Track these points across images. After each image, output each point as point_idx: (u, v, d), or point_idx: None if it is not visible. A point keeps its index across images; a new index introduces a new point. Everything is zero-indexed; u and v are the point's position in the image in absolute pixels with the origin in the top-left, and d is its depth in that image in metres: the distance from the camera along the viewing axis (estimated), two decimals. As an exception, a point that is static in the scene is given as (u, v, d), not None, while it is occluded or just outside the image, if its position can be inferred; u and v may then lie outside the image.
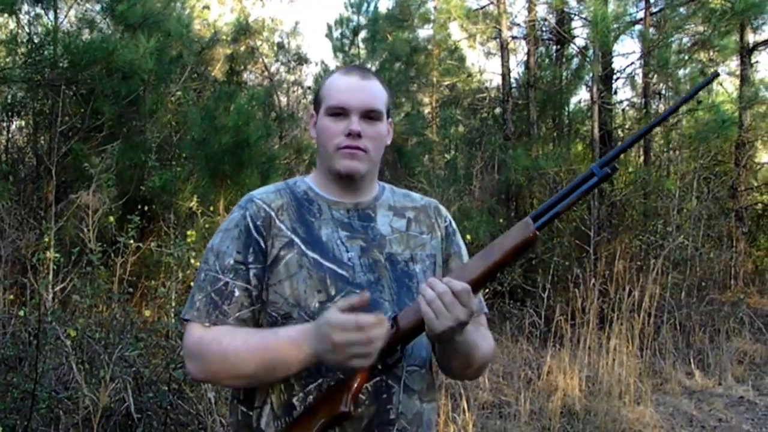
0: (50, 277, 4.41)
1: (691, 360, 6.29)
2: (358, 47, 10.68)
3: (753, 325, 7.36)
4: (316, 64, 13.07)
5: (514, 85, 9.75)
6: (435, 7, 10.43)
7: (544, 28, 9.91)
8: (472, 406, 4.36)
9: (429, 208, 1.62)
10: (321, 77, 10.15)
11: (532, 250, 7.70)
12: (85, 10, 6.42)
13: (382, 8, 11.31)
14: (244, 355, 1.36)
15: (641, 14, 8.90)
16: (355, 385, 1.33)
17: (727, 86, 12.19)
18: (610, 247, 7.37)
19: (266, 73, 11.21)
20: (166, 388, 3.65)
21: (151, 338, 4.01)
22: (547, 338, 5.94)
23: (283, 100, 11.02)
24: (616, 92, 9.41)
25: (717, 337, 6.84)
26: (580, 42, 9.55)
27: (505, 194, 9.05)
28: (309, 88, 11.29)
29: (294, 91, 11.58)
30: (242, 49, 10.52)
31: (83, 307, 4.22)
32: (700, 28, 8.79)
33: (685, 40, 9.27)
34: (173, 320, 4.24)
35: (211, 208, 5.85)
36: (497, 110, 10.45)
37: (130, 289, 4.50)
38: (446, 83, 10.80)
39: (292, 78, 11.64)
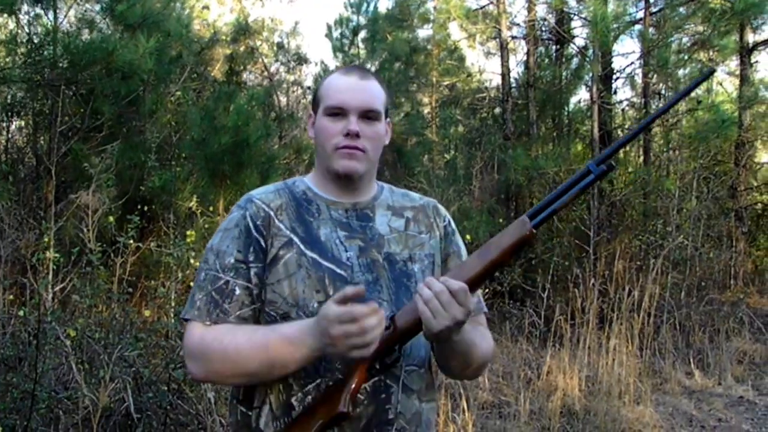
0: (50, 277, 4.41)
1: (691, 360, 6.29)
2: (358, 47, 10.68)
3: (753, 325, 7.36)
4: (316, 64, 13.08)
5: (513, 85, 9.76)
6: (434, 7, 10.44)
7: (543, 28, 9.91)
8: (472, 405, 4.36)
9: (428, 207, 1.62)
10: (321, 77, 10.13)
11: (532, 249, 7.71)
12: (85, 10, 6.42)
13: (382, 8, 11.31)
14: (245, 353, 1.36)
15: (641, 14, 8.90)
16: (354, 385, 1.33)
17: (726, 86, 12.21)
18: (610, 247, 7.37)
19: (266, 73, 11.21)
20: (166, 388, 3.65)
21: (150, 338, 4.00)
22: (547, 338, 5.94)
23: (283, 100, 11.02)
24: (615, 92, 9.42)
25: (717, 336, 6.84)
26: (579, 42, 9.56)
27: (504, 194, 9.05)
28: (309, 88, 11.29)
29: (294, 91, 11.58)
30: (242, 49, 10.52)
31: (83, 307, 4.22)
32: (700, 28, 8.79)
33: (684, 39, 9.28)
34: (173, 320, 4.24)
35: (211, 208, 5.85)
36: (497, 110, 10.46)
37: (130, 289, 4.50)
38: (446, 83, 10.80)
39: (291, 78, 11.65)
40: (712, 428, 4.99)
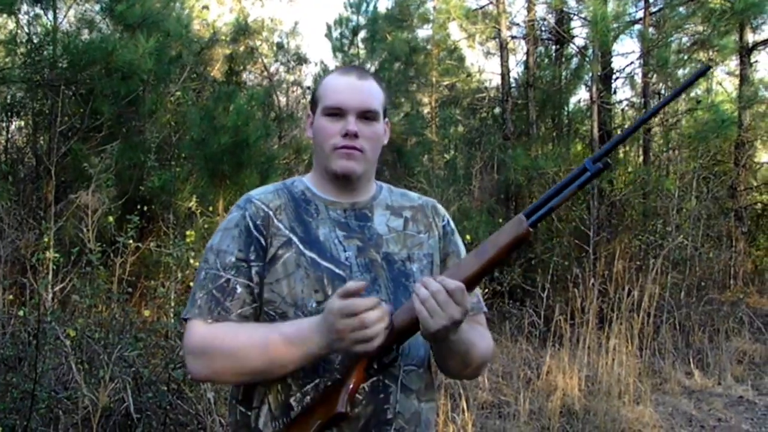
0: (50, 277, 4.41)
1: (691, 360, 6.29)
2: (358, 47, 10.69)
3: (752, 325, 7.36)
4: (316, 64, 13.06)
5: (513, 84, 9.76)
6: (434, 7, 10.43)
7: (543, 28, 9.92)
8: (472, 405, 4.36)
9: (426, 207, 1.62)
10: (320, 77, 10.14)
11: (532, 249, 7.72)
12: (85, 10, 6.42)
13: (382, 8, 11.31)
14: (249, 351, 1.36)
15: (641, 14, 8.90)
16: (352, 386, 1.33)
17: (726, 86, 12.21)
18: (610, 246, 7.37)
19: (265, 73, 11.21)
20: (166, 388, 3.65)
21: (150, 338, 4.00)
22: (547, 338, 5.94)
23: (283, 100, 11.02)
24: (615, 92, 9.43)
25: (716, 336, 6.84)
26: (579, 42, 9.57)
27: (504, 194, 9.05)
28: (308, 88, 11.29)
29: (293, 91, 11.58)
30: (241, 49, 10.52)
31: (82, 307, 4.22)
32: (700, 28, 8.79)
33: (684, 39, 9.29)
34: (172, 320, 4.24)
35: (211, 208, 5.86)
36: (496, 110, 10.46)
37: (130, 289, 4.50)
38: (445, 83, 10.80)
39: (291, 78, 11.64)
40: (712, 428, 4.99)
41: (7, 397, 3.43)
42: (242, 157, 5.90)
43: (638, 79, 9.35)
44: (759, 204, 11.11)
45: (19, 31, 6.01)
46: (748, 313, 7.49)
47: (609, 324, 5.50)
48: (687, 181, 8.44)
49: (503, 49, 9.25)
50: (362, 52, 10.63)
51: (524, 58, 9.81)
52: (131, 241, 4.52)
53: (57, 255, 4.47)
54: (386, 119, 1.57)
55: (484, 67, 13.53)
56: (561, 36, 9.44)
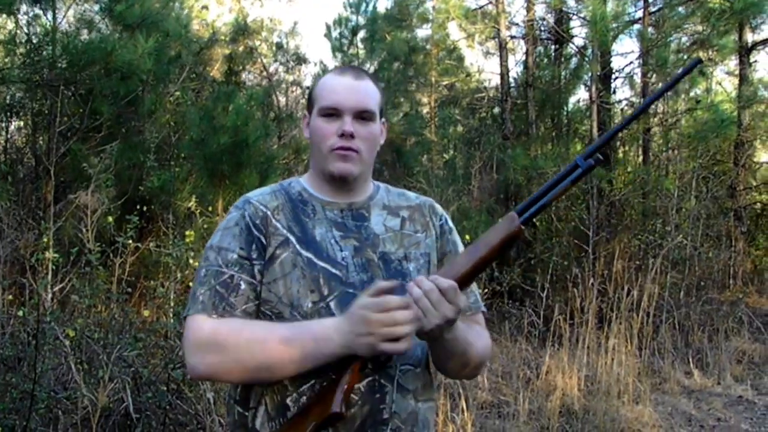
0: (49, 277, 4.41)
1: (690, 359, 6.30)
2: (357, 47, 10.69)
3: (752, 325, 7.36)
4: (315, 64, 13.05)
5: (512, 84, 9.76)
6: (433, 7, 10.44)
7: (542, 28, 9.93)
8: (471, 405, 4.36)
9: (424, 206, 1.62)
10: (319, 77, 10.15)
11: (531, 249, 7.72)
12: (84, 11, 6.42)
13: (381, 8, 11.36)
14: (259, 347, 1.34)
15: (640, 14, 8.91)
16: (347, 386, 1.33)
17: (726, 86, 12.22)
18: (609, 246, 7.38)
19: (265, 73, 11.21)
20: (165, 388, 3.65)
21: (149, 338, 4.00)
22: (546, 338, 5.94)
23: (282, 100, 11.02)
24: (614, 92, 9.43)
25: (716, 336, 6.84)
26: (578, 41, 9.57)
27: (504, 194, 9.05)
28: (308, 88, 11.28)
29: (293, 91, 11.58)
30: (241, 49, 10.52)
31: (82, 307, 4.22)
32: (699, 28, 8.80)
33: (683, 39, 9.30)
34: (172, 320, 4.24)
35: (210, 209, 5.85)
36: (496, 110, 10.46)
37: (129, 290, 4.50)
38: (445, 83, 10.80)
39: (290, 78, 11.65)
40: (711, 428, 5.00)
41: (7, 398, 3.43)
42: (241, 157, 5.90)
43: (637, 78, 9.36)
44: (758, 204, 11.12)
45: (18, 31, 6.01)
46: (747, 313, 7.50)
47: (608, 324, 5.50)
48: (686, 180, 8.45)
49: (502, 49, 9.25)
50: (361, 52, 10.64)
51: (523, 57, 9.82)
52: (130, 241, 4.52)
53: (56, 255, 4.47)
54: (383, 119, 1.57)
55: (484, 67, 13.53)
56: (560, 36, 9.45)
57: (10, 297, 4.59)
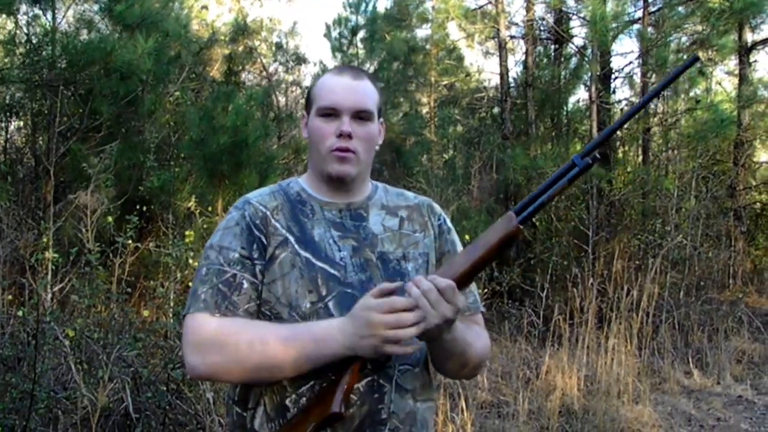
0: (49, 277, 4.41)
1: (690, 359, 6.30)
2: (357, 47, 10.70)
3: (751, 325, 7.36)
4: (315, 64, 13.05)
5: (512, 84, 9.76)
6: (433, 7, 10.44)
7: (542, 28, 9.93)
8: (471, 405, 4.36)
9: (422, 206, 1.62)
10: (318, 77, 10.16)
11: (531, 249, 7.72)
12: (84, 11, 6.42)
13: (381, 8, 11.36)
14: (262, 347, 1.33)
15: (639, 13, 8.91)
16: (346, 386, 1.33)
17: (725, 85, 12.22)
18: (609, 246, 7.38)
19: (264, 73, 11.21)
20: (165, 388, 3.65)
21: (149, 338, 4.00)
22: (546, 338, 5.94)
23: (282, 100, 11.02)
24: (614, 92, 9.42)
25: (715, 336, 6.84)
26: (578, 41, 9.57)
27: (503, 194, 9.06)
28: (307, 88, 11.25)
29: (292, 91, 11.57)
30: (240, 49, 10.52)
31: (82, 307, 4.22)
32: (699, 28, 8.80)
33: (683, 39, 9.29)
34: (172, 320, 4.24)
35: (210, 209, 5.85)
36: (495, 110, 10.47)
37: (129, 290, 4.50)
38: (444, 83, 10.80)
39: (290, 78, 11.64)
40: (711, 427, 5.00)
41: (6, 398, 3.43)
42: (241, 157, 5.90)
43: (637, 78, 9.36)
44: (758, 203, 11.12)
45: (18, 32, 6.01)
46: (747, 313, 7.50)
47: (608, 323, 5.50)
48: (686, 180, 8.45)
49: (502, 49, 9.26)
50: (361, 51, 10.64)
51: (523, 57, 9.82)
52: (130, 242, 4.52)
53: (56, 255, 4.47)
54: (381, 119, 1.57)
55: (483, 67, 13.51)
56: (560, 36, 9.45)
57: (10, 297, 4.58)
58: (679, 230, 7.84)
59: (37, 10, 6.12)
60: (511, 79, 9.68)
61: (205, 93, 8.20)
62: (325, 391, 1.35)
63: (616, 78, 9.37)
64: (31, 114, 6.93)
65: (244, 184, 5.72)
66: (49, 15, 5.98)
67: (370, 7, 10.73)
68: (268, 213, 1.48)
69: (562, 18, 9.62)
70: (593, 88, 8.25)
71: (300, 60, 11.56)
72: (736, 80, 11.22)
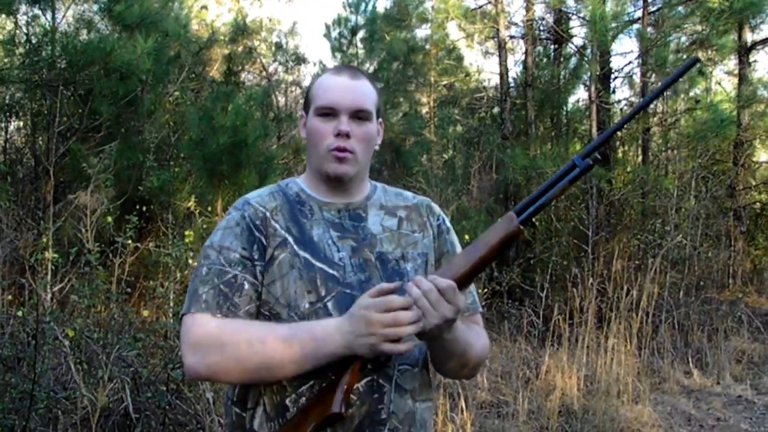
0: (48, 277, 4.41)
1: (690, 359, 6.30)
2: (356, 47, 10.70)
3: (751, 324, 7.36)
4: (314, 64, 13.03)
5: (512, 84, 9.77)
6: (432, 7, 10.44)
7: (541, 28, 9.93)
8: (471, 405, 4.36)
9: (421, 206, 1.61)
10: (317, 77, 10.14)
11: (531, 249, 7.72)
12: (83, 11, 6.42)
13: (380, 8, 11.37)
14: (263, 347, 1.32)
15: (639, 13, 8.92)
16: (346, 386, 1.33)
17: (725, 85, 12.22)
18: (609, 246, 7.38)
19: (264, 73, 11.21)
20: (165, 388, 3.65)
21: (149, 338, 4.00)
22: (546, 338, 5.94)
23: (281, 100, 11.02)
24: (614, 91, 9.43)
25: (715, 336, 6.85)
26: (578, 41, 9.58)
27: (503, 194, 9.06)
28: (307, 88, 11.27)
29: (292, 91, 11.57)
30: (240, 49, 10.52)
31: (81, 308, 4.22)
32: (699, 27, 8.81)
33: (683, 39, 9.30)
34: (171, 320, 4.23)
35: (209, 209, 5.85)
36: (495, 110, 10.47)
37: (129, 290, 4.50)
38: (444, 83, 10.80)
39: (290, 78, 11.64)
40: (711, 427, 5.00)
41: (6, 398, 3.43)
42: (241, 157, 5.89)
43: (637, 78, 9.37)
44: (758, 203, 11.13)
45: (17, 32, 6.02)
46: (746, 313, 7.50)
47: (608, 323, 5.51)
48: (686, 180, 8.45)
49: (502, 49, 9.26)
50: (361, 51, 10.65)
51: (523, 57, 9.83)
52: (130, 242, 4.52)
53: (56, 255, 4.46)
54: (380, 119, 1.57)
55: (483, 67, 13.50)
56: (559, 35, 9.45)
57: (10, 297, 4.58)
58: (678, 230, 7.84)
59: (36, 10, 6.12)
60: (510, 79, 9.68)
61: (204, 93, 8.20)
62: (325, 391, 1.35)
63: (616, 78, 9.39)
64: (30, 114, 6.92)
65: (244, 184, 5.72)
66: (49, 15, 5.99)
67: (369, 7, 10.74)
68: (268, 214, 1.47)
69: (561, 18, 9.62)
70: (593, 88, 8.25)
71: (300, 60, 11.56)
72: (735, 80, 11.22)
